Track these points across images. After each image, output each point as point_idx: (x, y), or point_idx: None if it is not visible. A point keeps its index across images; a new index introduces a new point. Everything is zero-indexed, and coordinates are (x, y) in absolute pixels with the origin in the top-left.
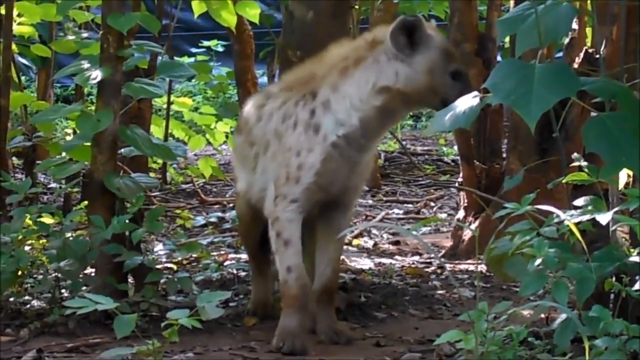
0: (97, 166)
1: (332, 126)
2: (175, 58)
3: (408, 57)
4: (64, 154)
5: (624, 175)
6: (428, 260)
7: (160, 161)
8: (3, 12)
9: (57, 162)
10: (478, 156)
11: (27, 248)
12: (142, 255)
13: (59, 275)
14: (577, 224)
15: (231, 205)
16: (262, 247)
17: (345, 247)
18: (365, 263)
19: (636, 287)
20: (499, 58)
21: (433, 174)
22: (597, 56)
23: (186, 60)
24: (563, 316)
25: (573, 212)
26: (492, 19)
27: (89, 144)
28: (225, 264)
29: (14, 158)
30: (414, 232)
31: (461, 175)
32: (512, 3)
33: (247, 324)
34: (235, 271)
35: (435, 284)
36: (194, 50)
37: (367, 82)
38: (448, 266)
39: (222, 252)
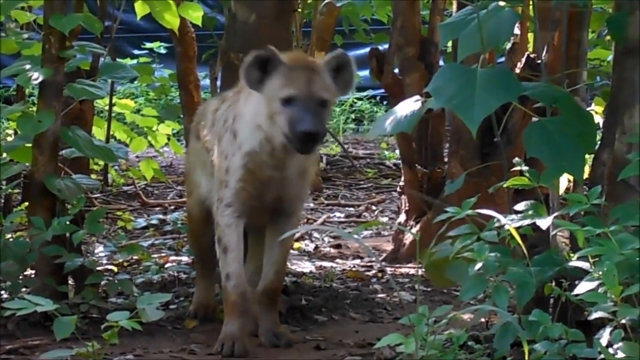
0: (38, 167)
1: (242, 137)
2: (118, 59)
3: (260, 92)
4: (4, 154)
5: (565, 180)
6: (369, 264)
7: (101, 163)
8: None
9: None
10: (420, 160)
11: None
12: (83, 257)
13: None
14: (517, 229)
15: (172, 207)
16: (211, 249)
17: None
18: (306, 266)
19: (576, 291)
20: (441, 62)
21: (375, 177)
22: (539, 61)
23: (128, 61)
24: (503, 320)
25: (514, 216)
26: (434, 23)
27: (29, 145)
28: (166, 266)
29: None
30: (355, 236)
31: (403, 179)
32: (454, 8)
33: (187, 326)
34: (176, 273)
35: (376, 287)
36: (136, 52)
37: (253, 117)
38: (389, 270)
39: (163, 255)
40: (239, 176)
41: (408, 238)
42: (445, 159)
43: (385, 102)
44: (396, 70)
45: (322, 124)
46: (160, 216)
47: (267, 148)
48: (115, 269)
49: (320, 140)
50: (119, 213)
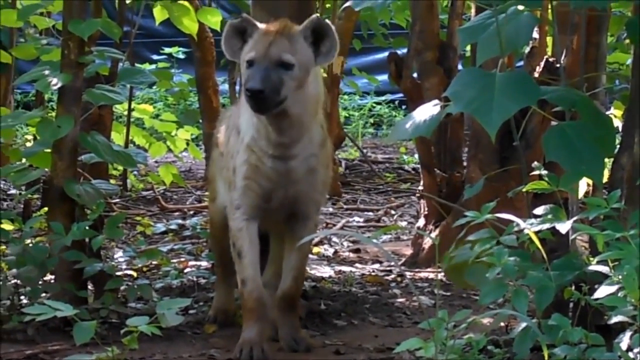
0: (57, 173)
1: (244, 129)
2: (136, 65)
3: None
4: (24, 160)
5: (584, 184)
6: (388, 268)
7: (120, 168)
8: None
9: (17, 168)
10: (439, 164)
11: None
12: (102, 262)
13: (18, 281)
14: (537, 233)
15: (191, 212)
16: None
17: None
18: (325, 271)
19: (595, 295)
20: (460, 67)
21: (394, 182)
22: (558, 65)
23: (147, 67)
24: (522, 324)
25: (533, 220)
26: (453, 28)
27: (49, 150)
28: (186, 271)
29: None
30: (375, 240)
31: (422, 183)
32: (473, 12)
33: (207, 331)
34: (195, 278)
35: (395, 292)
36: (155, 57)
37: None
38: (408, 274)
39: (182, 260)
40: (243, 173)
41: (427, 242)
42: (464, 163)
43: (404, 107)
44: (415, 75)
45: (270, 82)
46: (180, 221)
47: (262, 130)
48: (134, 274)
49: (269, 99)
50: (138, 218)
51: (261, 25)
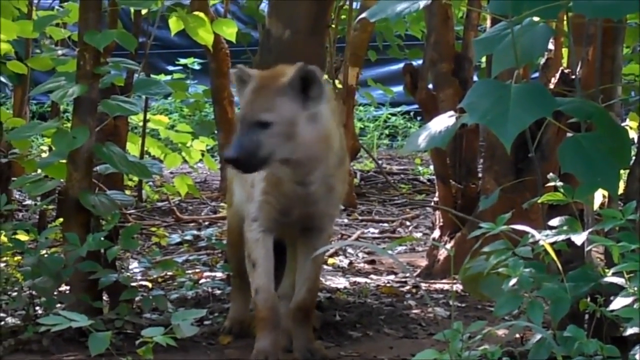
0: (73, 183)
1: None
2: (152, 76)
3: None
4: (39, 170)
5: (599, 196)
6: (403, 280)
7: (135, 179)
8: None
9: (33, 179)
10: (454, 176)
11: (1, 265)
12: (117, 273)
13: (34, 292)
14: (552, 244)
15: (206, 223)
16: None
17: None
18: (340, 282)
19: (611, 307)
20: (475, 78)
21: (409, 193)
22: (573, 77)
23: (163, 77)
24: (538, 336)
25: (548, 232)
26: (468, 39)
27: (64, 161)
28: (201, 282)
29: None
30: (390, 251)
31: (437, 194)
32: (488, 23)
33: (222, 342)
34: (210, 289)
35: (411, 303)
36: (170, 68)
37: None
38: (423, 285)
39: (197, 270)
40: (262, 188)
41: (442, 254)
42: (479, 175)
43: (419, 118)
44: (430, 86)
45: (244, 148)
46: (195, 232)
47: (284, 167)
48: (149, 284)
49: (247, 164)
50: (153, 229)
51: (254, 76)
